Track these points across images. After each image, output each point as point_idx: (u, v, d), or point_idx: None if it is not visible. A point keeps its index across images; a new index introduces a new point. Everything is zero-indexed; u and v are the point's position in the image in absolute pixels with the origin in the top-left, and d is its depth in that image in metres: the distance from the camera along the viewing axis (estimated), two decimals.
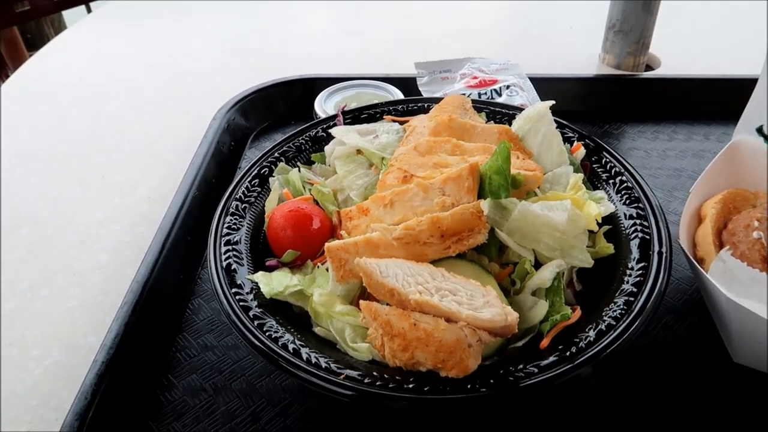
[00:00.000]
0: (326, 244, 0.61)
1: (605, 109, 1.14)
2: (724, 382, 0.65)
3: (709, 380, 0.66)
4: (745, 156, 0.79)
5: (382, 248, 0.60)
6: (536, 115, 0.75)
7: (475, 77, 1.12)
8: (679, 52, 1.34)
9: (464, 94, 1.07)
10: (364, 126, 0.83)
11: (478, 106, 0.86)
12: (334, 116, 0.86)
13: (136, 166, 1.03)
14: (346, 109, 0.89)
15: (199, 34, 1.58)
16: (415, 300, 0.54)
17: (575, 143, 0.77)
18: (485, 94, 1.08)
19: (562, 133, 0.79)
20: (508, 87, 1.09)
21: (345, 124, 0.85)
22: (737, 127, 0.79)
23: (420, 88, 1.12)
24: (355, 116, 0.87)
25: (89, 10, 2.84)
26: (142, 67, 1.39)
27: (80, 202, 0.95)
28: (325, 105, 1.04)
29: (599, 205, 0.67)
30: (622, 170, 0.73)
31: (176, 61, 1.42)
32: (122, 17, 1.72)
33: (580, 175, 0.69)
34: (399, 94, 1.06)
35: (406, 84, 1.11)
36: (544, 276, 0.59)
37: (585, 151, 0.76)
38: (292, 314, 0.65)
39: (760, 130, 0.76)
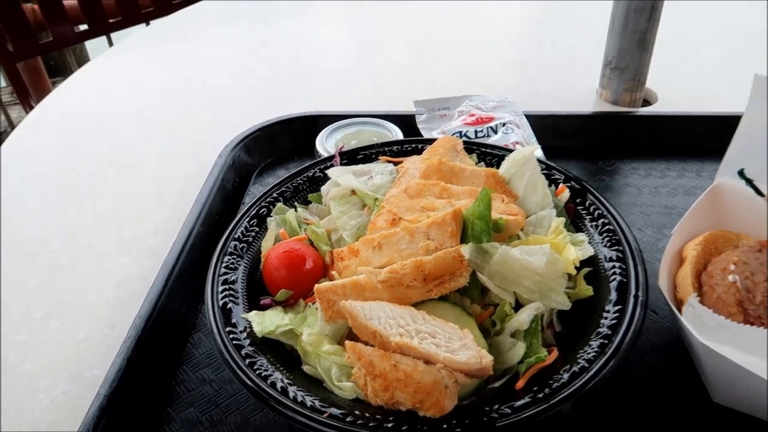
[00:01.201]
0: (316, 286, 0.64)
1: (600, 145, 1.16)
2: (703, 422, 0.67)
3: (688, 419, 0.67)
4: (728, 198, 0.81)
5: (368, 290, 0.63)
6: (522, 159, 0.78)
7: (473, 114, 1.16)
8: (676, 87, 1.37)
9: (461, 132, 1.11)
10: (360, 166, 0.87)
11: (470, 147, 0.89)
12: (332, 157, 0.90)
13: (145, 200, 1.08)
14: (344, 149, 0.93)
15: (212, 67, 1.64)
16: (395, 342, 0.57)
17: (560, 186, 0.80)
18: (482, 131, 1.12)
19: (550, 175, 0.83)
20: (504, 124, 1.13)
21: (342, 164, 0.89)
22: (720, 169, 0.81)
23: (419, 126, 1.16)
24: (352, 157, 0.90)
25: (111, 43, 2.95)
26: (155, 100, 1.46)
27: (92, 234, 1.00)
28: (326, 142, 1.09)
29: (579, 248, 0.69)
30: (605, 212, 0.75)
31: (188, 94, 1.48)
32: (140, 50, 1.80)
33: (562, 219, 0.71)
34: (398, 132, 1.10)
35: (406, 121, 1.15)
36: (522, 319, 0.61)
37: (570, 193, 0.79)
38: (284, 351, 0.68)
39: (741, 173, 0.78)
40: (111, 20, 2.62)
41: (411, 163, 0.84)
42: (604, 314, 0.64)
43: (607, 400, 0.68)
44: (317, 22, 1.97)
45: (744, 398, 0.65)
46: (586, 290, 0.67)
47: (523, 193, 0.77)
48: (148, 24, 2.69)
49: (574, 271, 0.66)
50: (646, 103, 1.35)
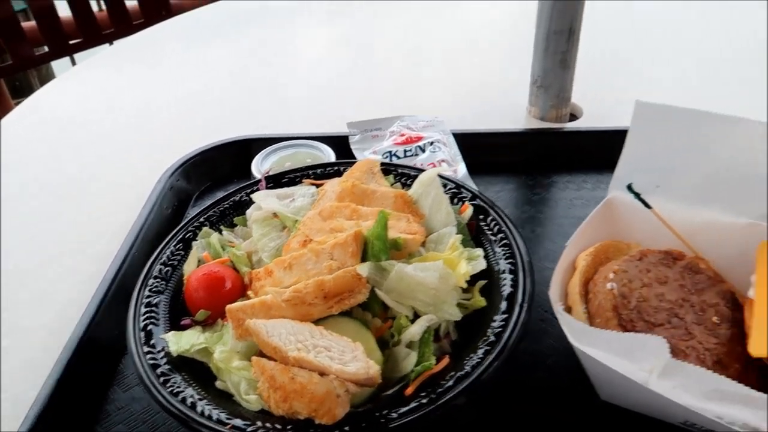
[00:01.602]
0: (227, 306, 0.69)
1: (524, 160, 1.23)
2: (591, 419, 0.73)
3: (579, 416, 0.73)
4: (620, 210, 0.88)
5: (275, 309, 0.68)
6: (427, 180, 0.84)
7: (403, 134, 1.22)
8: (600, 102, 1.44)
9: (391, 152, 1.17)
10: (284, 190, 0.92)
11: (388, 168, 0.95)
12: (258, 181, 0.96)
13: (87, 226, 1.12)
14: (272, 172, 0.99)
15: (164, 89, 1.69)
16: (293, 356, 0.62)
17: (464, 204, 0.86)
18: (410, 150, 1.18)
19: (458, 193, 0.89)
20: (431, 143, 1.19)
21: (267, 187, 0.95)
22: (611, 184, 0.88)
23: (352, 147, 1.22)
24: (277, 180, 0.96)
25: (74, 62, 2.97)
26: (105, 124, 1.50)
27: (33, 261, 1.04)
28: (262, 165, 1.14)
29: (474, 262, 0.75)
30: (504, 227, 0.81)
31: (137, 117, 1.53)
32: (98, 71, 1.85)
33: (459, 236, 0.77)
34: (331, 154, 1.16)
35: (341, 142, 1.21)
36: (414, 330, 0.67)
37: (473, 210, 0.85)
38: (204, 369, 0.73)
39: (630, 188, 0.85)
40: (72, 41, 2.66)
41: (330, 185, 0.89)
42: (492, 323, 0.69)
43: (506, 401, 0.74)
44: (263, 45, 2.02)
45: (622, 396, 0.71)
46: (480, 301, 0.73)
47: (428, 211, 0.83)
48: (111, 44, 2.73)
49: (465, 285, 0.72)
50: (574, 117, 1.42)
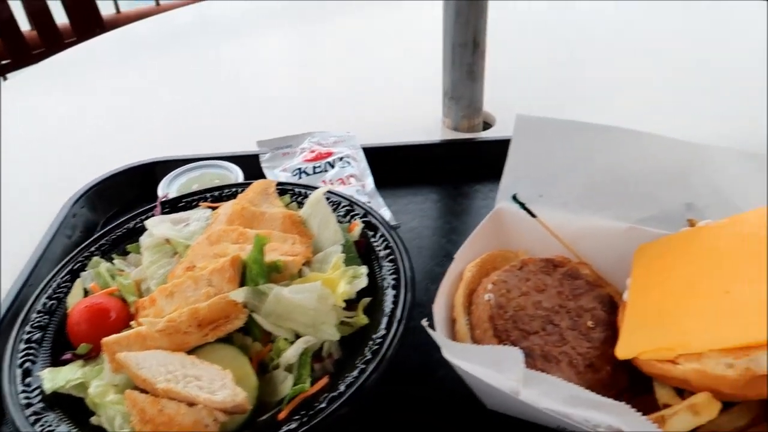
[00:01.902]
0: (102, 339, 0.69)
1: (439, 171, 1.25)
2: (479, 428, 0.75)
3: (466, 427, 0.75)
4: (508, 220, 0.90)
5: (150, 340, 0.68)
6: (314, 200, 0.85)
7: (313, 151, 1.23)
8: (512, 111, 1.47)
9: (300, 169, 1.18)
10: (179, 214, 0.92)
11: (285, 188, 0.95)
12: (153, 207, 0.95)
13: None
14: (171, 196, 0.98)
15: (82, 109, 1.67)
16: (162, 388, 0.62)
17: (353, 222, 0.87)
18: (320, 167, 1.19)
19: (351, 210, 0.90)
20: (341, 159, 1.20)
21: (164, 212, 0.94)
22: (497, 195, 0.90)
23: (262, 165, 1.22)
24: (173, 205, 0.95)
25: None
26: (18, 144, 1.47)
27: None
28: (168, 188, 1.13)
29: (358, 280, 0.76)
30: (391, 243, 0.83)
31: (51, 140, 1.50)
32: (22, 91, 1.80)
33: (343, 255, 0.78)
34: (240, 174, 1.16)
35: (251, 162, 1.21)
36: (290, 353, 0.68)
37: (362, 227, 0.86)
38: (82, 405, 0.71)
39: (515, 198, 0.87)
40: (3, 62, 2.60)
41: (224, 208, 0.89)
42: (370, 341, 0.70)
43: (394, 413, 0.75)
44: (177, 68, 2.00)
45: (502, 404, 0.73)
46: (362, 319, 0.74)
47: (317, 231, 0.83)
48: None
49: (343, 304, 0.73)
50: (487, 126, 1.45)
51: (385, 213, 1.09)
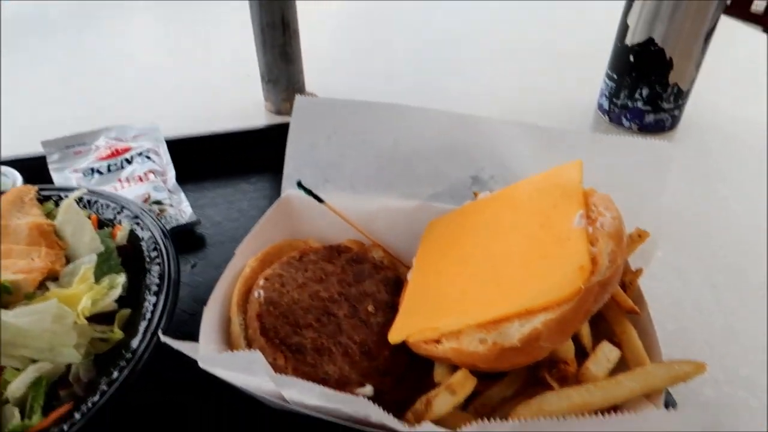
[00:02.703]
0: None
1: (250, 160, 1.18)
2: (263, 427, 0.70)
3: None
4: (298, 208, 0.85)
5: None
6: (66, 206, 0.76)
7: (110, 147, 1.12)
8: (337, 90, 1.44)
9: (93, 168, 1.07)
10: None
11: (49, 193, 0.85)
12: None
13: None
14: None
15: None
16: None
17: (115, 226, 0.79)
18: (115, 164, 1.08)
19: (119, 212, 0.81)
20: (140, 154, 1.10)
21: None
22: (283, 183, 0.85)
23: (50, 167, 1.09)
24: None
25: None
26: None
27: None
28: None
29: (115, 290, 0.68)
30: (160, 245, 0.75)
31: None
32: None
33: (91, 266, 0.70)
34: (18, 178, 1.02)
35: (36, 164, 1.08)
36: (14, 386, 0.59)
37: (128, 231, 0.78)
38: None
39: (300, 184, 0.83)
40: None
41: None
42: (120, 358, 0.63)
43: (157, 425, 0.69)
44: None
45: (276, 404, 0.69)
46: (117, 334, 0.67)
47: (71, 239, 0.75)
48: None
49: (84, 322, 0.65)
50: None
51: (186, 209, 1.01)
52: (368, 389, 0.65)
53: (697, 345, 0.83)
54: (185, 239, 0.99)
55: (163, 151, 1.13)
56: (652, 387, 0.58)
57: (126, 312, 0.69)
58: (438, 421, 0.57)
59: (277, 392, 0.60)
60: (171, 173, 1.08)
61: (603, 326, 0.67)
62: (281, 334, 0.67)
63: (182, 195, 1.05)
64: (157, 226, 0.79)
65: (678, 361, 0.59)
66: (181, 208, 1.02)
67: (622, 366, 0.61)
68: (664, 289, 0.91)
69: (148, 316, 0.68)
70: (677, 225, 1.03)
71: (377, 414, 0.54)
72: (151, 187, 1.03)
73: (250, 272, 0.76)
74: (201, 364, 0.61)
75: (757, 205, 1.09)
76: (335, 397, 0.55)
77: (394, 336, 0.68)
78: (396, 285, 0.78)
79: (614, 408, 0.57)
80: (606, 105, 1.30)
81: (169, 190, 1.05)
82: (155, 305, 0.68)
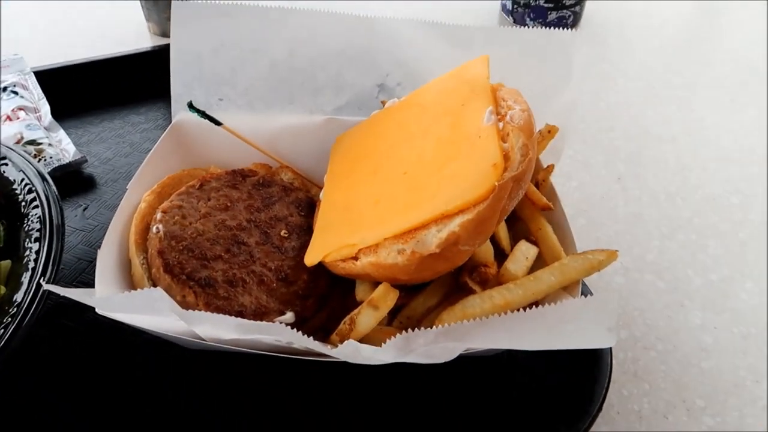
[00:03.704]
0: None
1: (136, 87, 1.07)
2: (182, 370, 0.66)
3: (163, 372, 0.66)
4: (193, 133, 0.78)
5: None
6: None
7: None
8: None
9: None
10: None
11: None
12: None
13: None
14: None
15: None
16: None
17: None
18: None
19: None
20: (5, 89, 0.97)
21: None
22: (172, 107, 0.77)
23: None
24: None
25: None
26: None
27: None
28: None
29: None
30: (34, 189, 0.67)
31: None
32: None
33: None
34: None
35: None
36: None
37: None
38: None
39: (191, 106, 0.75)
40: None
41: None
42: (4, 315, 0.56)
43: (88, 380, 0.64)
44: None
45: (196, 344, 0.64)
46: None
47: None
48: None
49: None
50: None
51: (68, 147, 0.91)
52: (289, 316, 0.63)
53: (607, 236, 0.85)
54: (72, 181, 0.89)
55: (33, 84, 1.00)
56: (569, 279, 0.58)
57: (6, 263, 0.62)
58: (363, 339, 0.56)
59: (190, 330, 0.56)
60: (45, 108, 0.96)
61: (519, 227, 0.67)
62: (188, 270, 0.62)
63: (62, 132, 0.94)
64: (31, 166, 0.69)
65: (592, 251, 0.59)
66: (63, 147, 0.91)
67: (540, 263, 0.61)
68: (573, 184, 0.93)
69: (31, 265, 0.61)
70: (581, 120, 1.05)
71: (300, 340, 0.51)
72: (23, 126, 0.91)
73: (147, 207, 0.69)
74: (98, 310, 0.56)
75: (655, 94, 1.12)
76: (253, 327, 0.52)
77: (311, 258, 0.65)
78: (309, 206, 0.74)
79: (535, 303, 0.57)
80: (509, 5, 1.27)
81: (45, 128, 0.93)
82: (38, 253, 0.61)
